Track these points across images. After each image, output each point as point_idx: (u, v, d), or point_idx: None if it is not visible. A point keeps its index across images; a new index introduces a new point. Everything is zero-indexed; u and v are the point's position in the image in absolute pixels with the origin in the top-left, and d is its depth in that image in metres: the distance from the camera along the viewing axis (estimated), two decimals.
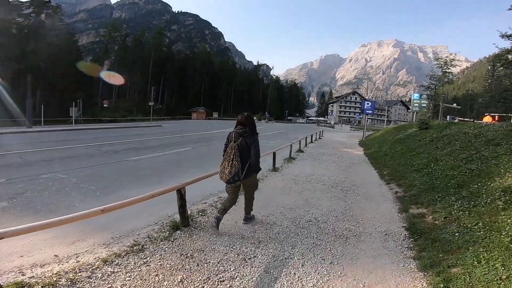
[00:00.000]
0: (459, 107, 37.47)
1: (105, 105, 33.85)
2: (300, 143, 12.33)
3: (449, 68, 17.62)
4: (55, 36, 39.55)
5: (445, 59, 17.39)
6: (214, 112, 67.78)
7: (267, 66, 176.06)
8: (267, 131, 24.70)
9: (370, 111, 19.96)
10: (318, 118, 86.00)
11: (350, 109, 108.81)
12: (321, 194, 5.85)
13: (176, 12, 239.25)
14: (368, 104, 20.11)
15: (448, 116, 31.81)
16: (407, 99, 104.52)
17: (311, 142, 16.15)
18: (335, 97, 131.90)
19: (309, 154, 11.64)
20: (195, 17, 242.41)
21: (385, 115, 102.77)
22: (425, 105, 24.92)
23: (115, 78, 36.38)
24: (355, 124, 71.44)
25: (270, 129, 28.27)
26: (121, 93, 69.89)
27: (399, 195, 5.82)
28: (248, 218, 4.07)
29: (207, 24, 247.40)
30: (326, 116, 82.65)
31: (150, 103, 28.97)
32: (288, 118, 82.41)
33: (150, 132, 18.57)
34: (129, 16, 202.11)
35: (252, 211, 4.16)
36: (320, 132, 21.11)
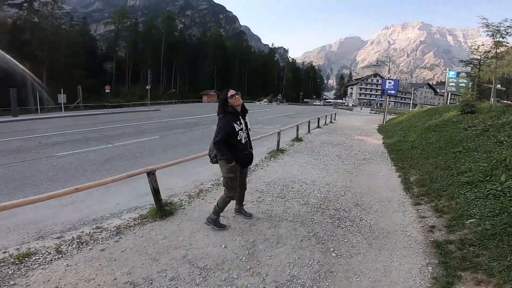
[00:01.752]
0: (504, 88, 32.13)
1: (107, 91, 32.43)
2: (297, 129, 9.46)
3: (503, 37, 13.24)
4: (52, 25, 38.03)
5: (498, 26, 13.08)
6: None
7: (284, 49, 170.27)
8: (271, 114, 21.82)
9: (393, 91, 16.39)
10: (335, 101, 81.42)
11: (371, 91, 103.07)
12: (286, 232, 3.22)
13: None
14: (390, 83, 16.52)
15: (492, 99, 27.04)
16: (434, 82, 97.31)
17: (318, 127, 13.20)
18: (355, 79, 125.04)
19: (308, 144, 8.83)
20: (209, 1, 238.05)
21: (410, 98, 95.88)
22: (463, 84, 20.45)
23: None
24: (375, 107, 66.29)
25: (277, 111, 25.33)
26: (134, 79, 69.71)
27: (442, 241, 2.95)
28: (210, 218, 3.24)
29: (221, 8, 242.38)
30: (344, 99, 77.61)
31: (147, 87, 26.81)
32: (305, 100, 79.47)
33: (137, 118, 16.40)
34: (143, 3, 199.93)
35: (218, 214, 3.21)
36: (332, 115, 17.94)
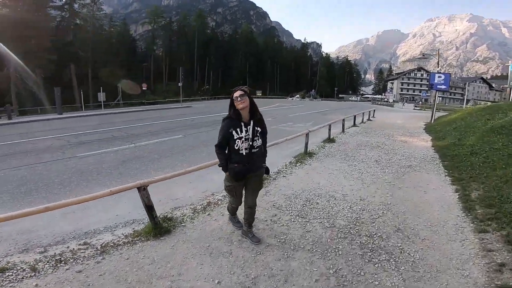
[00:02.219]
0: None
1: (144, 89, 33.74)
2: (329, 129, 8.44)
3: None
4: (94, 26, 40.59)
5: None
6: (257, 91, 65.47)
7: (317, 43, 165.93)
8: (303, 110, 20.73)
9: (443, 86, 14.27)
10: (374, 96, 76.70)
11: (414, 86, 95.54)
12: (299, 266, 2.52)
13: None
14: (440, 77, 14.37)
15: None
16: (489, 76, 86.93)
17: (354, 125, 11.95)
18: (395, 74, 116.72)
19: (341, 146, 7.81)
20: None
21: (460, 93, 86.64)
22: None
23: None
24: (420, 102, 60.93)
25: (310, 108, 24.08)
26: (171, 77, 72.72)
27: None
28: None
29: (251, 4, 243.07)
30: (383, 94, 72.62)
31: (179, 84, 27.24)
32: (340, 96, 76.28)
33: (166, 115, 16.54)
34: (176, 2, 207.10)
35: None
36: (370, 112, 16.33)
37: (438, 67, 15.93)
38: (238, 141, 2.48)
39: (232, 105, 2.51)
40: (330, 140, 8.18)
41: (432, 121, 14.39)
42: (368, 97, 74.97)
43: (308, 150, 6.62)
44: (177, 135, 9.41)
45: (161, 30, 71.01)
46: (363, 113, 14.28)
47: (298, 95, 60.31)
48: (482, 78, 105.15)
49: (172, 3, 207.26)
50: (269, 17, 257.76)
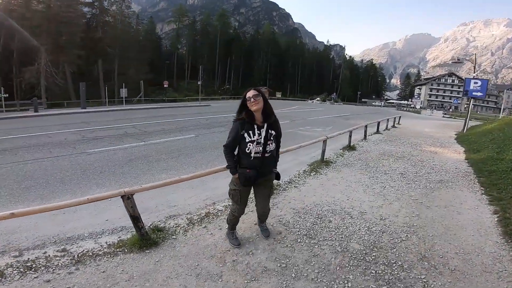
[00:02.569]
0: None
1: (165, 85, 34.34)
2: (350, 136, 7.80)
3: None
4: (122, 23, 41.90)
5: None
6: (277, 92, 64.83)
7: (340, 46, 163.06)
8: (323, 114, 19.98)
9: (479, 93, 12.98)
10: (399, 102, 73.56)
11: (444, 92, 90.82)
12: None
13: None
14: (476, 83, 13.08)
15: None
16: None
17: (377, 132, 11.14)
18: (424, 79, 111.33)
19: (362, 154, 7.16)
20: None
21: (494, 101, 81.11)
22: None
23: None
24: (450, 110, 57.56)
25: (331, 112, 23.24)
26: (193, 75, 74.09)
27: None
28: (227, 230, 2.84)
29: (274, 5, 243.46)
30: (410, 100, 69.39)
31: (198, 82, 27.43)
32: (363, 100, 73.92)
33: (184, 113, 16.53)
34: (201, 2, 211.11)
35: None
36: (396, 118, 15.32)
37: (474, 72, 14.54)
38: (250, 145, 2.32)
39: (244, 106, 2.33)
40: (350, 147, 7.54)
41: (465, 130, 13.20)
42: (393, 103, 72.05)
43: (325, 157, 6.07)
44: (190, 134, 9.17)
45: (185, 29, 72.49)
46: (388, 119, 13.36)
47: (318, 98, 59.06)
48: None
49: (197, 3, 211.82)
50: (292, 19, 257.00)
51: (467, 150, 8.32)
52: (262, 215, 2.77)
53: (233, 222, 2.71)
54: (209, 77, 76.77)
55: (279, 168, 2.69)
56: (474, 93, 12.80)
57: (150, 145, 7.49)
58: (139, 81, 43.00)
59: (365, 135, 9.47)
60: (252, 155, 2.33)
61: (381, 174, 5.42)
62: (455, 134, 12.78)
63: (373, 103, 67.77)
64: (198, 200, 3.93)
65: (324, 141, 5.81)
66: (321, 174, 5.26)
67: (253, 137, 2.31)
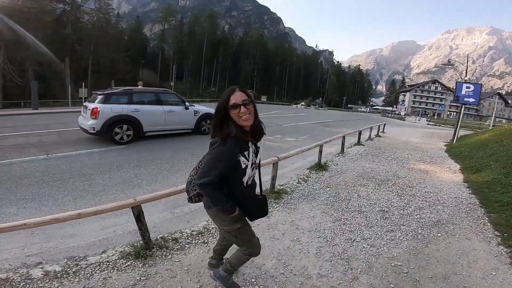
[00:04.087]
0: None
1: (139, 87, 31.98)
2: (320, 151, 6.05)
3: None
4: (98, 21, 39.50)
5: None
6: (262, 95, 63.48)
7: (330, 51, 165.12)
8: (303, 120, 18.36)
9: (472, 99, 11.60)
10: (384, 108, 73.76)
11: (427, 99, 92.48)
12: None
13: None
14: (468, 88, 11.70)
15: None
16: (504, 92, 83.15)
17: (358, 143, 9.52)
18: (408, 86, 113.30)
19: (333, 177, 5.43)
20: (254, 2, 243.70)
21: (474, 108, 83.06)
22: None
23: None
24: (435, 117, 57.87)
25: (312, 118, 21.67)
26: (178, 76, 72.39)
27: None
28: (218, 274, 2.05)
29: (265, 9, 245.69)
30: (395, 106, 69.57)
31: (171, 83, 25.33)
32: (349, 106, 73.73)
33: None
34: (192, 4, 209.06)
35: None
36: (380, 126, 13.87)
37: (466, 77, 13.25)
38: (248, 171, 1.59)
39: (225, 116, 1.50)
40: (320, 166, 5.80)
41: (455, 140, 11.84)
42: (378, 109, 72.20)
43: (279, 185, 4.29)
44: (102, 147, 6.93)
45: (172, 30, 70.60)
46: (371, 128, 11.82)
47: (302, 103, 57.88)
48: (498, 93, 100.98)
49: (188, 4, 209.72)
50: (283, 23, 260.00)
51: (464, 169, 6.76)
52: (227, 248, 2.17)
53: (239, 266, 2.01)
54: (194, 79, 75.21)
55: None
56: (465, 99, 11.44)
57: (50, 160, 5.50)
58: (116, 81, 40.56)
59: (342, 148, 7.78)
60: (246, 182, 1.63)
61: (352, 215, 3.66)
62: (445, 145, 11.37)
63: (358, 109, 67.58)
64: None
65: (275, 164, 3.99)
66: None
67: (248, 160, 1.57)
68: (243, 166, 1.55)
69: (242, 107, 1.45)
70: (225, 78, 76.93)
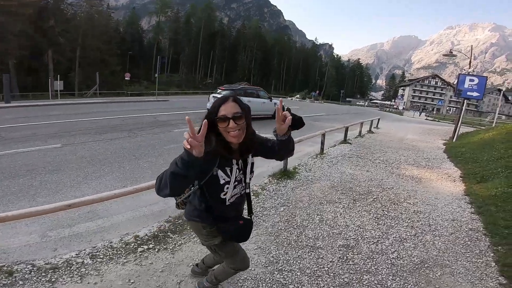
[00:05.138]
0: None
1: (126, 78, 30.66)
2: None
3: None
4: (87, 13, 37.87)
5: None
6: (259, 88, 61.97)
7: (330, 45, 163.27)
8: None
9: (476, 94, 10.30)
10: (383, 102, 72.48)
11: (427, 94, 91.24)
12: None
13: None
14: (472, 81, 10.37)
15: None
16: (504, 88, 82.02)
17: (344, 141, 8.35)
18: (408, 80, 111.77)
19: (300, 188, 4.27)
20: None
21: (474, 104, 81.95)
22: None
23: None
24: (434, 112, 56.60)
25: (304, 111, 20.41)
26: (175, 69, 71.09)
27: None
28: (202, 284, 1.95)
29: (266, 2, 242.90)
30: (393, 100, 68.18)
31: (156, 75, 23.87)
32: (347, 99, 72.42)
33: (123, 110, 13.18)
34: None
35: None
36: (373, 121, 12.67)
37: (470, 69, 11.86)
38: (226, 187, 1.42)
39: (213, 125, 1.29)
40: (284, 173, 4.61)
41: (455, 138, 10.67)
42: (377, 103, 70.78)
43: None
44: (56, 144, 6.02)
45: (168, 21, 69.09)
46: (362, 123, 10.60)
47: (298, 95, 56.23)
48: (499, 89, 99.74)
49: None
50: (283, 16, 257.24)
51: (466, 176, 5.59)
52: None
53: (226, 279, 1.90)
54: (190, 71, 73.67)
55: None
56: (469, 93, 10.18)
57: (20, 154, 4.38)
58: (106, 73, 39.19)
59: (321, 148, 6.58)
60: (228, 200, 1.46)
61: (299, 253, 2.47)
62: (444, 144, 10.18)
63: (357, 103, 66.31)
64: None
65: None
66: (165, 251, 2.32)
67: (229, 177, 1.41)
68: (222, 181, 1.39)
69: (231, 121, 1.25)
70: (222, 70, 75.57)
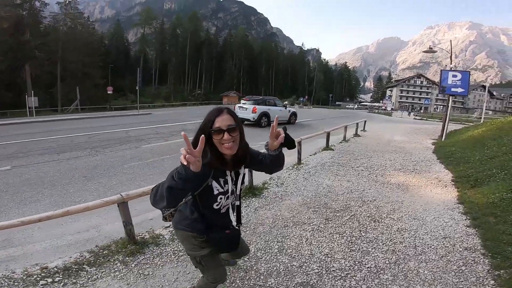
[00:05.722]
0: None
1: (109, 92, 29.73)
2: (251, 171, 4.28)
3: None
4: (66, 26, 37.23)
5: None
6: (248, 95, 61.23)
7: (317, 50, 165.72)
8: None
9: (461, 89, 9.90)
10: (372, 104, 73.08)
11: (414, 94, 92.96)
12: None
13: (222, 0, 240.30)
14: (455, 76, 10.00)
15: None
16: (487, 85, 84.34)
17: (327, 147, 7.77)
18: (394, 81, 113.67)
19: (267, 204, 3.64)
20: (240, 4, 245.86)
21: (460, 101, 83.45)
22: None
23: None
24: (421, 111, 57.14)
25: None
26: (163, 80, 70.31)
27: None
28: None
29: (252, 10, 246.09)
30: (382, 101, 68.71)
31: (136, 87, 23.15)
32: (337, 103, 72.87)
33: (99, 126, 12.42)
34: (178, 7, 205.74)
35: None
36: (358, 124, 12.20)
37: (452, 64, 11.52)
38: (221, 198, 1.44)
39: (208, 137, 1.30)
40: (250, 190, 3.96)
41: (444, 137, 10.23)
42: (366, 105, 71.33)
43: (142, 232, 2.49)
44: (6, 166, 5.33)
45: (154, 33, 68.94)
46: (346, 127, 10.07)
47: (286, 101, 55.92)
48: (483, 86, 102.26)
49: (174, 7, 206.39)
50: (269, 23, 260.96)
51: (458, 179, 5.03)
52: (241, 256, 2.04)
53: None
54: (179, 82, 72.93)
55: None
56: (453, 89, 9.80)
57: None
58: (88, 86, 38.08)
59: (299, 158, 5.96)
60: (222, 209, 1.50)
61: None
62: (432, 144, 9.72)
63: (346, 106, 66.68)
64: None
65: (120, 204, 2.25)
66: None
67: (224, 187, 1.44)
68: (216, 191, 1.42)
69: (226, 133, 1.30)
70: (210, 79, 75.24)
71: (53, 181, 4.75)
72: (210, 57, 73.71)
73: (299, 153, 5.92)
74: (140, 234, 2.85)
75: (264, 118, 12.37)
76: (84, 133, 9.88)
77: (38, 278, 2.21)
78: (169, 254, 2.56)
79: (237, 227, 1.61)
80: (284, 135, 1.33)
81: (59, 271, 2.30)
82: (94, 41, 45.41)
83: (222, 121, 1.30)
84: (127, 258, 2.46)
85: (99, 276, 2.25)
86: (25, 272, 2.31)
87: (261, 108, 12.37)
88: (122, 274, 2.28)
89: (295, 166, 5.69)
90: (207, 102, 50.26)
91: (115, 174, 5.14)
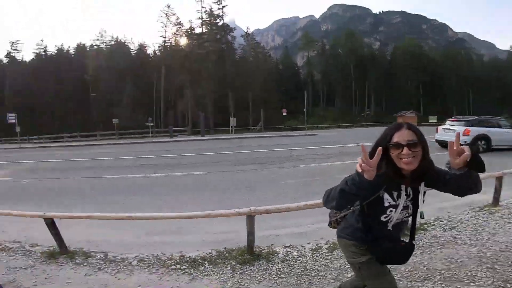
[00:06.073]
0: None
1: (283, 114, 34.36)
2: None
3: None
4: (253, 57, 46.13)
5: None
6: (431, 116, 49.68)
7: None
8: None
9: None
10: None
11: None
12: None
13: (379, 13, 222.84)
14: None
15: None
16: None
17: None
18: None
19: (429, 248, 3.10)
20: (402, 13, 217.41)
21: None
22: None
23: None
24: None
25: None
26: (330, 101, 71.60)
27: None
28: None
29: (420, 18, 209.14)
30: None
31: (304, 109, 25.54)
32: None
33: (268, 144, 15.34)
34: (332, 27, 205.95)
35: None
36: None
37: None
38: (390, 211, 1.44)
39: (383, 151, 1.31)
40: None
41: None
42: None
43: None
44: (202, 171, 7.96)
45: (316, 56, 71.97)
46: None
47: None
48: None
49: (331, 28, 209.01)
50: (451, 29, 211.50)
51: None
52: None
53: None
54: (346, 103, 71.03)
55: None
56: None
57: (152, 178, 7.42)
58: (268, 110, 45.87)
59: (495, 198, 4.40)
60: (389, 225, 1.50)
61: None
62: None
63: None
64: None
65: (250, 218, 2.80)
66: None
67: (396, 201, 1.45)
68: (386, 203, 1.43)
69: (405, 148, 1.29)
70: (380, 99, 68.74)
71: (225, 188, 6.25)
72: (377, 74, 67.59)
73: (497, 191, 4.47)
74: (260, 246, 3.10)
75: (481, 142, 10.39)
76: (259, 150, 12.45)
77: (173, 262, 2.78)
78: (271, 273, 2.64)
79: (405, 243, 1.55)
80: (469, 153, 1.18)
81: (189, 261, 2.79)
82: (271, 68, 54.24)
83: (400, 136, 1.32)
84: (238, 265, 2.74)
85: (209, 274, 2.61)
86: (170, 256, 2.90)
87: (476, 130, 10.41)
88: (225, 278, 2.53)
89: (486, 208, 4.37)
90: (377, 123, 45.10)
91: (270, 190, 5.97)
